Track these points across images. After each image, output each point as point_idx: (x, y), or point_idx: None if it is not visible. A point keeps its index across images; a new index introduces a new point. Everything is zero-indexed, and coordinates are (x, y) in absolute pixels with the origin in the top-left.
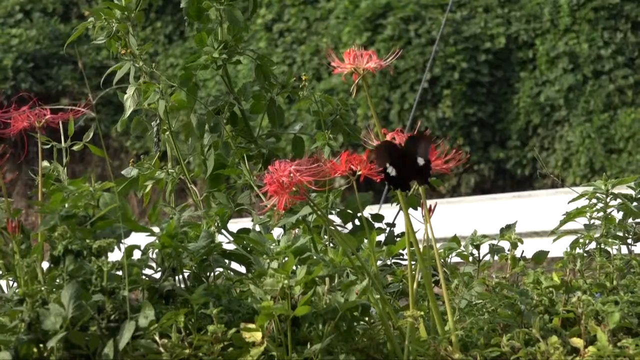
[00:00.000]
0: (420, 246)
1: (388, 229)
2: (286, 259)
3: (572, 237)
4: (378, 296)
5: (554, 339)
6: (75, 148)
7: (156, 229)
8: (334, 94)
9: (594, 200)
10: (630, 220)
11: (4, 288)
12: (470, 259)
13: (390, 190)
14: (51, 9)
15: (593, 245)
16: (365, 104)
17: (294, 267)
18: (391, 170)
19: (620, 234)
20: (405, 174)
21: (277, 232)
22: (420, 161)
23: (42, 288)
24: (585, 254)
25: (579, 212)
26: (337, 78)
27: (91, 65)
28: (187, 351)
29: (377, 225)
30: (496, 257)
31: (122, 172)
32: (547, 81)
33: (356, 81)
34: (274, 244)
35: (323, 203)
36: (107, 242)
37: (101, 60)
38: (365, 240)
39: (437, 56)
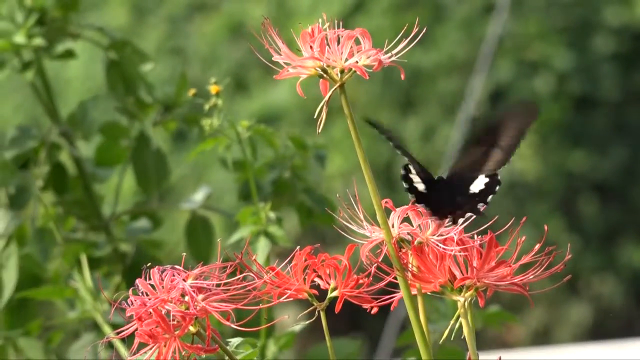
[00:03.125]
0: None
1: None
2: None
3: None
4: None
5: None
6: None
7: None
8: (276, 123)
9: None
10: None
11: None
12: None
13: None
14: None
15: None
16: (347, 145)
17: None
18: (417, 181)
19: None
20: (446, 194)
21: None
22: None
23: None
24: None
25: None
26: (286, 88)
27: None
28: None
29: None
30: None
31: None
32: None
33: (327, 95)
34: None
35: None
36: None
37: None
38: None
39: (505, 38)
